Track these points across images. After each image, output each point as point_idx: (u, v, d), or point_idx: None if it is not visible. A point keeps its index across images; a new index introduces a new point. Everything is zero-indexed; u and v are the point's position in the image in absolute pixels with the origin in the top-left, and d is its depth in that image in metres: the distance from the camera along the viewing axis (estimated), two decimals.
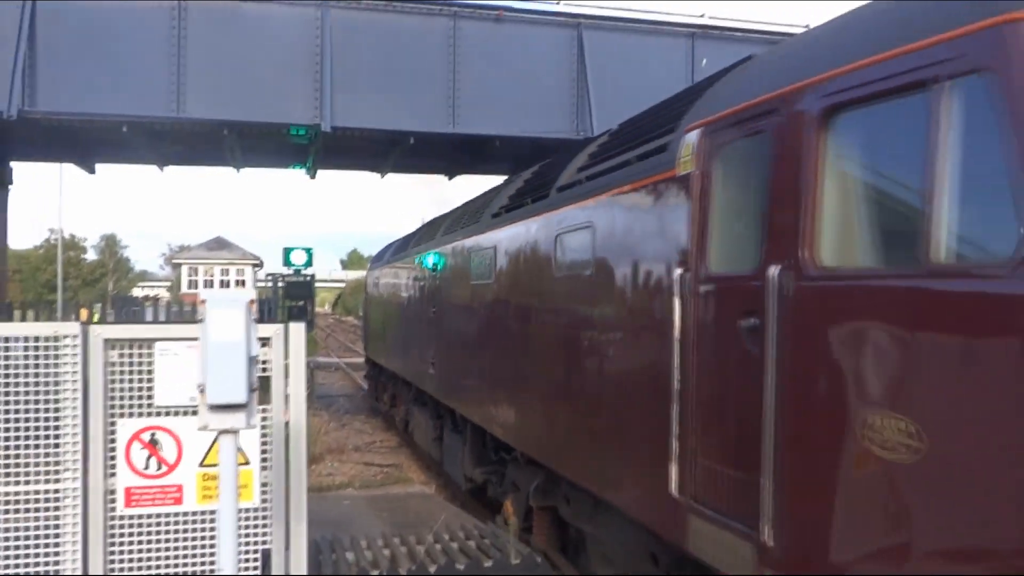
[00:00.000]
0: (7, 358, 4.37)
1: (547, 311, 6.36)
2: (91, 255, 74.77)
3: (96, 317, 20.17)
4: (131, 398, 4.64)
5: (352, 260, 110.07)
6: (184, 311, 17.30)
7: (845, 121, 3.19)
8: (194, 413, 4.65)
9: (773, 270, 3.38)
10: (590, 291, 5.50)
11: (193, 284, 68.66)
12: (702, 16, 14.60)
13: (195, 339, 4.57)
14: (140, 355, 4.62)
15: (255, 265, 70.72)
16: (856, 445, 2.97)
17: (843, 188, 3.19)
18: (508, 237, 7.44)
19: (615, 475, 5.02)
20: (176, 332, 4.69)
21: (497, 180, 17.99)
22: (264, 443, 4.79)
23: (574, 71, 14.08)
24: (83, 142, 15.30)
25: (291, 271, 20.32)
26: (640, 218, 4.75)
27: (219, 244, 72.68)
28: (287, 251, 20.55)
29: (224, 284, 67.11)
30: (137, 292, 70.76)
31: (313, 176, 17.44)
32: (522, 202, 7.39)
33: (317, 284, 27.37)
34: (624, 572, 5.31)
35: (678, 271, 4.19)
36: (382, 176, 18.17)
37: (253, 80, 13.13)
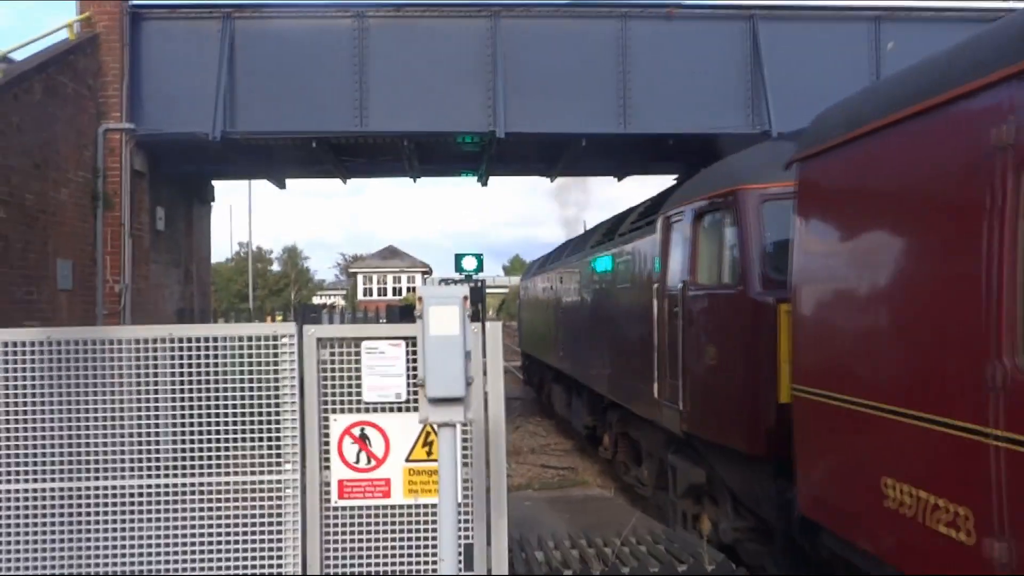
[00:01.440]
0: (233, 356, 4.70)
1: (613, 307, 10.92)
2: (275, 267, 79.90)
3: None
4: (342, 394, 4.84)
5: (514, 266, 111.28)
6: (367, 317, 18.05)
7: (704, 220, 7.28)
8: (400, 409, 4.83)
9: (682, 286, 7.44)
10: (627, 296, 9.98)
11: (368, 292, 71.85)
12: None
13: (400, 338, 4.74)
14: (348, 353, 4.83)
15: (424, 273, 73.04)
16: (704, 361, 6.88)
17: (704, 249, 7.23)
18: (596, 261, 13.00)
19: (637, 396, 9.33)
20: (381, 331, 4.90)
21: (667, 180, 17.70)
22: (463, 439, 4.81)
23: (748, 65, 13.58)
24: (276, 159, 16.31)
25: (462, 276, 20.82)
26: (645, 256, 9.17)
27: (391, 253, 75.69)
28: (458, 257, 21.07)
29: (396, 292, 69.78)
30: (316, 301, 74.82)
31: (485, 183, 17.79)
32: (602, 240, 12.52)
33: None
34: (652, 454, 9.55)
35: (655, 285, 8.41)
36: (552, 180, 18.27)
37: (429, 92, 13.53)
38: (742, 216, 6.54)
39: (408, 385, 4.77)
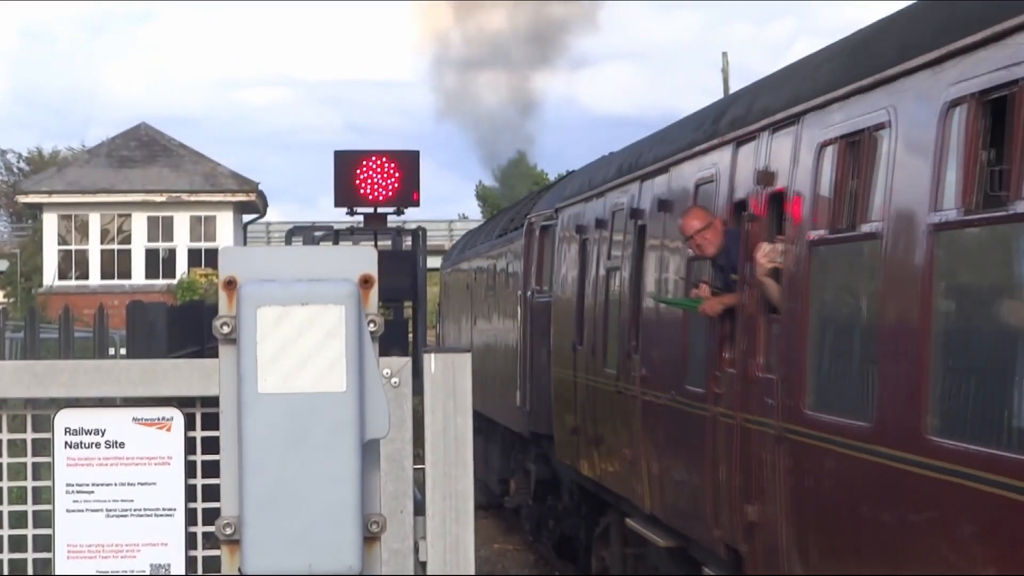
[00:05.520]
0: None
1: (500, 321, 36.21)
2: None
3: None
4: None
5: (512, 184, 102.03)
6: (71, 338, 17.31)
7: (541, 232, 33.36)
8: None
9: (530, 291, 33.15)
10: (508, 306, 34.87)
11: (76, 264, 70.47)
12: None
13: (171, 403, 4.67)
14: (14, 446, 4.73)
15: (244, 203, 72.04)
16: (540, 361, 30.98)
17: (548, 259, 32.70)
18: (491, 262, 37.48)
19: (513, 413, 31.86)
20: (111, 381, 4.53)
21: None
22: None
23: None
24: None
25: (356, 222, 19.82)
26: (516, 258, 35.37)
27: (148, 149, 73.50)
28: (341, 159, 19.95)
29: (160, 261, 69.40)
30: None
31: None
32: (495, 235, 37.54)
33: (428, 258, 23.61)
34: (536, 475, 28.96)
35: (521, 289, 33.80)
36: None
37: None
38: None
39: (190, 539, 4.49)
